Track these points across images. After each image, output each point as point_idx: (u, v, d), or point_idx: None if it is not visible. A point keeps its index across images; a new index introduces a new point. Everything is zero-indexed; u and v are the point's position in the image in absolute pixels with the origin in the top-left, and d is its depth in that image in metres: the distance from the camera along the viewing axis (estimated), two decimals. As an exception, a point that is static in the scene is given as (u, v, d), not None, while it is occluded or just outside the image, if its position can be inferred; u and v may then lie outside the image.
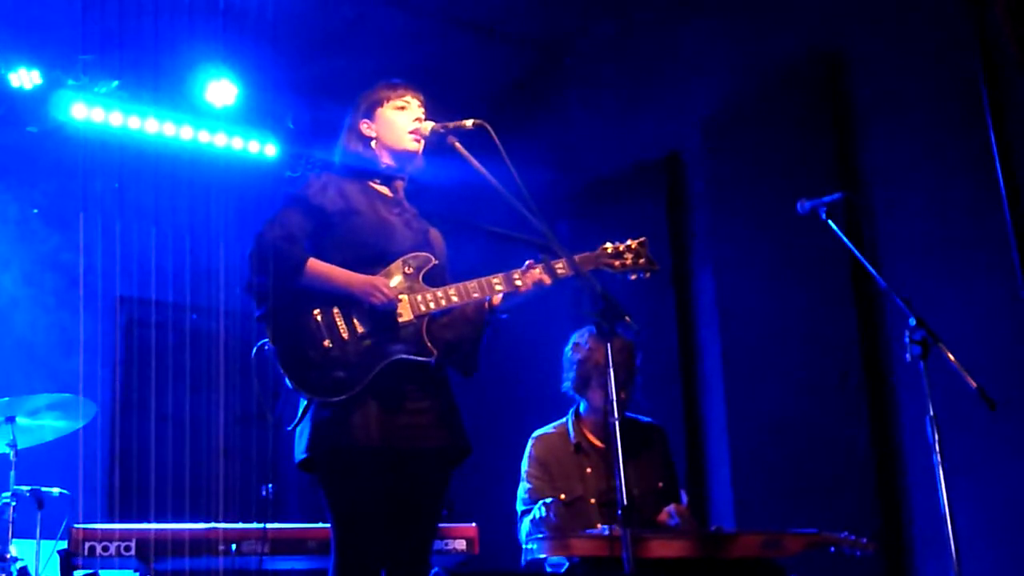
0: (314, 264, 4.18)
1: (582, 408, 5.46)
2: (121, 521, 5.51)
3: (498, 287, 4.27)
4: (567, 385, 5.45)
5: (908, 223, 6.11)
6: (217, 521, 5.55)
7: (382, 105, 4.47)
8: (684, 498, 5.47)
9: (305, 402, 4.15)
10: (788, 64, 6.81)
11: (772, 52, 6.91)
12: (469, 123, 4.29)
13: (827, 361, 6.35)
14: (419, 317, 4.20)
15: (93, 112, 7.91)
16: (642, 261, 4.43)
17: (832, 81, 6.58)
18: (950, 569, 4.38)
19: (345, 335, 4.11)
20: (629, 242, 4.45)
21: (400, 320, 4.18)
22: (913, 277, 5.82)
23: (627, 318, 4.02)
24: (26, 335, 7.91)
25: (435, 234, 4.50)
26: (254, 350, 4.16)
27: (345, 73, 7.94)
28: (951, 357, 4.49)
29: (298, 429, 4.17)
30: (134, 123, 8.11)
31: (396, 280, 4.24)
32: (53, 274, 8.13)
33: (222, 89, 8.18)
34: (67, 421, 6.22)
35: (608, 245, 4.43)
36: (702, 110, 7.34)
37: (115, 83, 7.92)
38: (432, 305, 4.23)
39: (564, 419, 5.49)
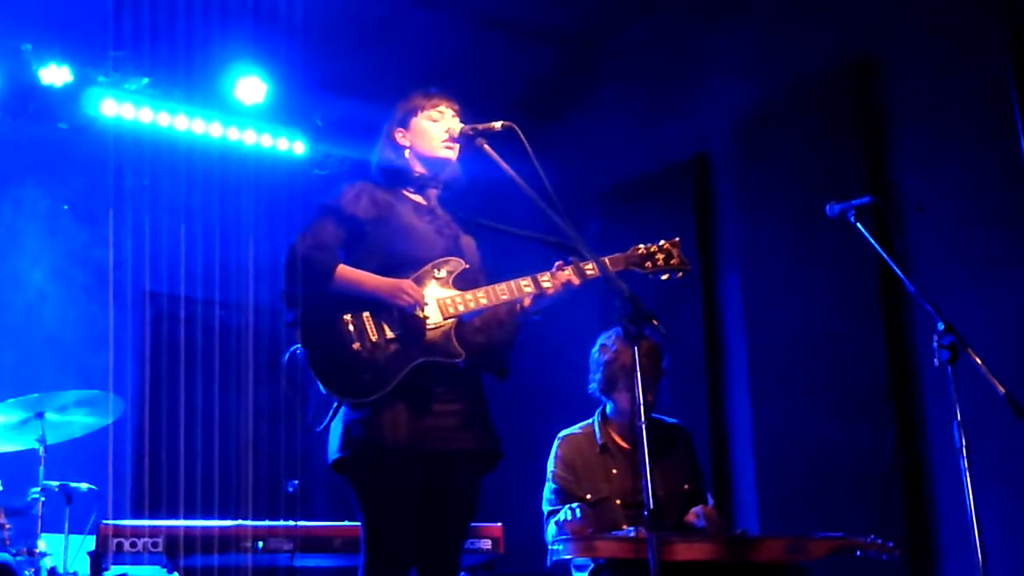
0: (344, 270, 4.21)
1: (608, 410, 5.46)
2: (149, 517, 5.53)
3: (527, 289, 4.28)
4: (593, 387, 5.45)
5: (937, 228, 6.09)
6: (244, 518, 5.58)
7: (416, 115, 4.49)
8: (710, 500, 5.47)
9: (336, 404, 4.19)
10: (819, 67, 6.79)
11: (803, 55, 6.90)
12: (498, 125, 4.30)
13: (853, 365, 6.33)
14: (448, 319, 4.22)
15: (123, 108, 7.94)
16: (674, 262, 4.43)
17: (863, 85, 6.56)
18: (976, 573, 4.36)
19: (375, 338, 4.14)
20: (662, 243, 4.45)
21: (429, 323, 4.20)
22: (942, 282, 5.80)
23: (654, 321, 4.02)
24: (55, 331, 7.95)
25: (467, 240, 4.52)
26: (286, 356, 4.19)
27: (375, 71, 7.97)
28: (979, 362, 4.48)
29: (330, 430, 4.21)
30: (164, 120, 8.13)
31: (427, 284, 4.26)
32: (82, 270, 8.16)
33: (252, 86, 8.20)
34: (96, 417, 6.26)
35: (640, 246, 4.43)
36: (732, 112, 7.33)
37: (145, 80, 7.95)
38: (461, 308, 4.24)
39: (590, 420, 5.49)
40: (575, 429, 5.50)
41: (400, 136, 4.51)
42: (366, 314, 4.17)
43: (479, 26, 8.12)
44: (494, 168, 4.24)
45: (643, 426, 3.89)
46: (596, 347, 5.48)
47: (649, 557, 3.85)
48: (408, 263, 4.29)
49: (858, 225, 5.00)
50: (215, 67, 8.13)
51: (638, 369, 3.96)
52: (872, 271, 6.17)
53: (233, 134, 8.43)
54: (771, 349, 6.84)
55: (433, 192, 4.53)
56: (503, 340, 4.40)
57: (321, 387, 4.10)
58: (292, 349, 4.17)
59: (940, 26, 6.19)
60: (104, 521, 5.38)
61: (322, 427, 4.23)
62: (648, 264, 4.41)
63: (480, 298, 4.26)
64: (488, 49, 8.28)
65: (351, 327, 4.15)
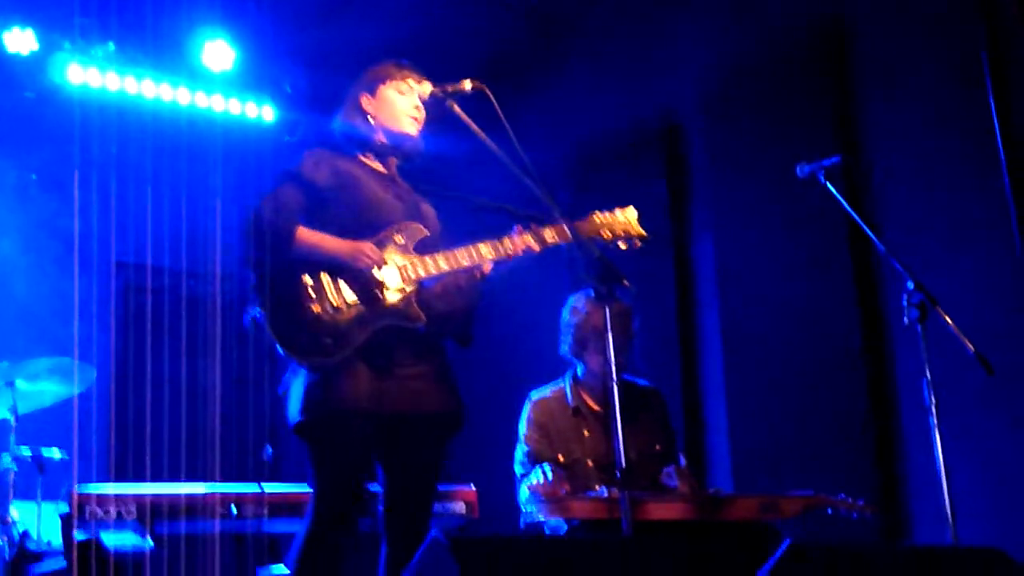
0: (304, 233, 4.21)
1: (579, 371, 5.47)
2: (123, 484, 5.52)
3: (487, 254, 4.29)
4: (564, 349, 5.46)
5: (907, 187, 6.11)
6: (216, 484, 5.57)
7: (385, 83, 4.49)
8: (682, 460, 5.49)
9: (296, 367, 4.18)
10: (789, 31, 6.79)
11: (773, 19, 6.88)
12: (468, 85, 4.30)
13: (825, 325, 6.37)
14: (408, 284, 4.23)
15: (89, 75, 7.87)
16: (631, 230, 4.43)
17: (834, 48, 6.57)
18: (946, 531, 4.41)
19: (335, 301, 4.14)
20: (618, 211, 4.45)
21: (389, 287, 4.21)
22: (912, 241, 5.82)
23: (625, 282, 4.04)
24: (25, 300, 7.90)
25: (427, 208, 4.54)
26: (246, 318, 4.19)
27: (344, 38, 7.91)
28: (949, 321, 4.51)
29: (290, 394, 4.21)
30: (131, 86, 8.07)
31: (387, 249, 4.26)
32: (51, 239, 8.10)
33: (220, 52, 8.14)
34: (66, 385, 6.24)
35: (597, 214, 4.44)
36: (703, 75, 7.32)
37: (111, 46, 7.88)
38: (421, 272, 4.26)
39: (561, 381, 5.49)
40: (546, 391, 5.50)
41: (366, 102, 4.50)
42: (325, 276, 4.17)
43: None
44: (462, 137, 4.24)
45: (615, 387, 3.91)
46: (566, 309, 5.48)
47: (622, 517, 3.88)
48: (369, 229, 4.29)
49: (828, 185, 5.02)
50: (182, 33, 8.07)
51: (609, 330, 3.98)
52: (843, 231, 6.19)
53: (201, 100, 8.37)
54: (744, 310, 6.87)
55: (393, 161, 4.54)
56: (464, 306, 4.40)
57: (280, 349, 4.10)
58: (252, 312, 4.16)
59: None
60: (76, 488, 5.36)
61: (283, 390, 4.23)
62: (607, 233, 4.41)
63: (440, 263, 4.27)
64: (456, 17, 8.23)
65: (310, 289, 4.14)
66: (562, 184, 7.84)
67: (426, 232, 4.38)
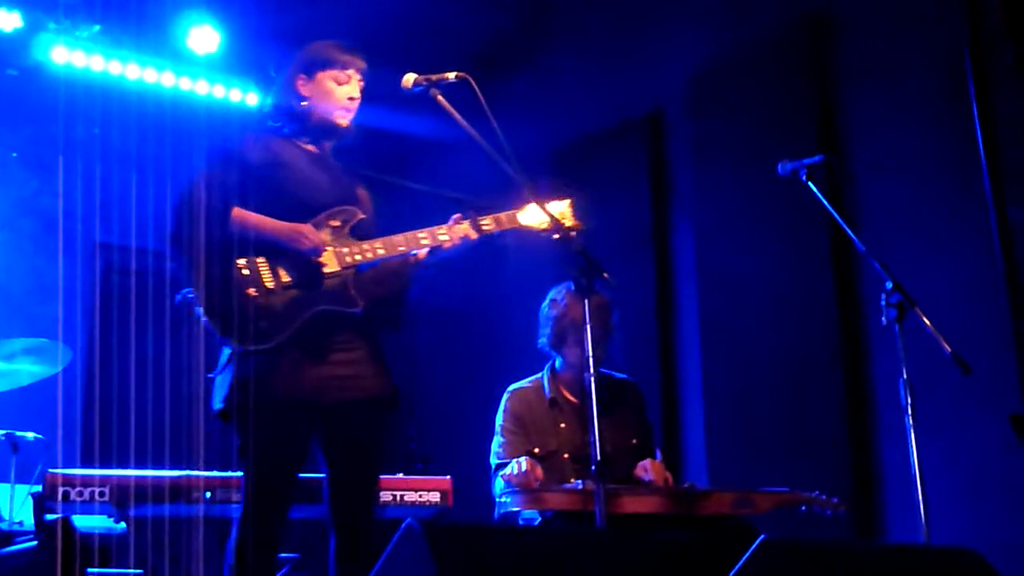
0: (239, 213, 4.17)
1: (558, 364, 5.47)
2: (98, 467, 5.50)
3: (424, 241, 4.32)
4: (543, 341, 5.46)
5: (888, 187, 6.12)
6: (194, 468, 5.56)
7: (324, 69, 4.44)
8: (658, 455, 5.50)
9: (229, 351, 4.16)
10: (774, 26, 6.80)
11: (758, 13, 6.89)
12: (451, 76, 4.30)
13: (804, 322, 6.38)
14: (345, 269, 4.22)
15: (74, 56, 7.84)
16: (569, 222, 4.41)
17: (817, 44, 6.57)
18: (919, 529, 4.42)
19: (270, 284, 4.12)
20: (554, 201, 4.44)
21: (326, 271, 4.20)
22: (891, 241, 5.83)
23: (605, 275, 4.05)
24: (2, 279, 7.88)
25: (363, 192, 4.53)
26: (177, 298, 4.15)
27: (329, 23, 7.88)
28: (927, 321, 4.53)
29: (219, 378, 4.19)
30: (115, 68, 8.04)
31: (323, 233, 4.25)
32: (31, 219, 8.07)
33: (205, 36, 8.11)
34: (43, 366, 6.22)
35: (533, 203, 4.41)
36: (686, 68, 7.32)
37: (97, 27, 7.85)
38: (358, 257, 4.26)
39: (540, 374, 5.50)
40: (524, 383, 5.50)
41: (301, 84, 4.46)
42: (260, 259, 4.14)
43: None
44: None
45: (592, 379, 3.92)
46: (546, 302, 5.48)
47: (597, 509, 3.89)
48: (304, 211, 4.27)
49: (810, 184, 5.03)
50: (168, 16, 8.04)
51: (588, 322, 3.99)
52: (823, 229, 6.20)
53: (185, 84, 8.34)
54: (723, 306, 6.87)
55: (327, 144, 4.51)
56: (397, 291, 4.43)
57: (215, 333, 4.07)
58: (183, 292, 4.12)
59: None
60: (51, 470, 5.34)
61: (215, 374, 4.21)
62: (541, 223, 4.40)
63: (378, 248, 4.28)
64: (442, 3, 8.22)
65: (245, 272, 4.11)
66: (544, 174, 7.83)
67: (362, 215, 4.37)
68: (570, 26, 8.28)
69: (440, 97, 4.29)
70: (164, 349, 8.04)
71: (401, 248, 4.30)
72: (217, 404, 4.17)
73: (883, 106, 6.20)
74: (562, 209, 4.41)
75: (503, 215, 4.37)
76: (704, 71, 7.20)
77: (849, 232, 4.93)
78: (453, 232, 4.32)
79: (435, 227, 4.33)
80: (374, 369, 4.30)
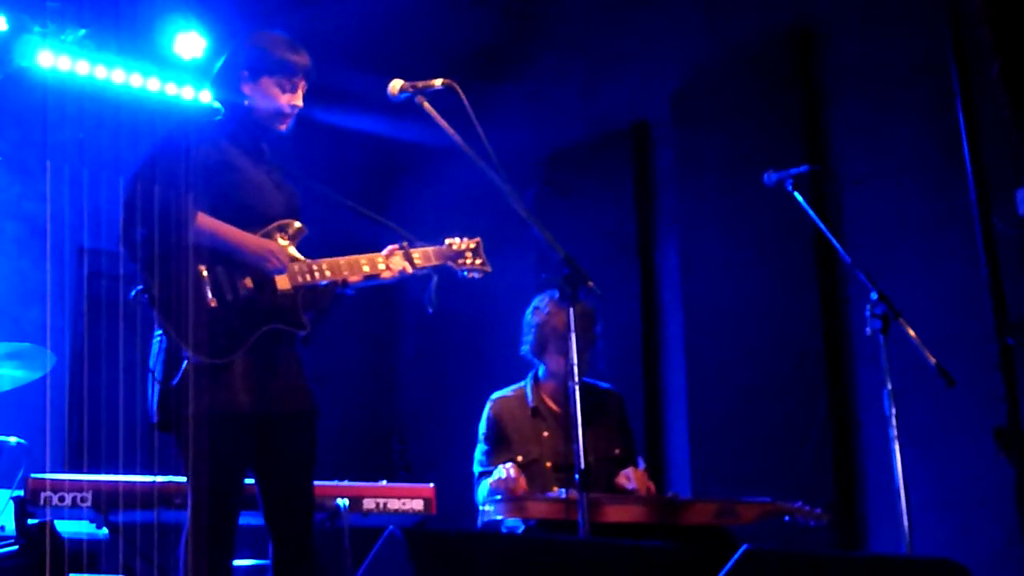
0: (204, 219, 4.11)
1: (541, 373, 5.47)
2: (79, 472, 5.47)
3: (366, 269, 4.37)
4: (525, 349, 5.46)
5: (873, 198, 6.13)
6: (174, 474, 5.54)
7: (270, 74, 4.38)
8: (641, 464, 5.50)
9: (168, 353, 4.11)
10: (759, 37, 6.80)
11: (743, 25, 6.90)
12: (438, 83, 4.31)
13: (789, 333, 6.38)
14: (296, 288, 4.22)
15: (59, 60, 7.81)
16: (478, 262, 4.56)
17: (802, 54, 6.57)
18: (902, 540, 4.44)
19: (229, 296, 4.09)
20: (468, 242, 4.58)
21: (279, 288, 4.19)
22: (876, 252, 5.84)
23: (590, 284, 4.05)
24: (-15, 283, 7.85)
25: (292, 189, 4.51)
26: (132, 293, 4.09)
27: (316, 30, 7.87)
28: (911, 332, 4.54)
29: (160, 385, 4.13)
30: (101, 73, 8.01)
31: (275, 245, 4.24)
32: (16, 223, 8.04)
33: (191, 41, 8.08)
34: (26, 371, 6.18)
35: (454, 241, 4.56)
36: (672, 80, 7.32)
37: (82, 32, 7.82)
38: (309, 278, 4.27)
39: (523, 383, 5.50)
40: (507, 392, 5.51)
41: (243, 84, 4.40)
42: (222, 268, 4.11)
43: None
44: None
45: (575, 388, 3.92)
46: (529, 310, 5.49)
47: (579, 518, 3.89)
48: (254, 220, 4.25)
49: (795, 194, 5.05)
50: (154, 21, 8.01)
51: (572, 331, 3.99)
52: (809, 240, 6.20)
53: (171, 89, 8.32)
54: (707, 316, 6.87)
55: (265, 145, 4.48)
56: (323, 309, 4.42)
57: (173, 338, 4.02)
58: (138, 289, 4.05)
59: (880, -3, 6.23)
60: (33, 475, 5.32)
61: (174, 382, 4.08)
62: (459, 261, 4.54)
63: (325, 270, 4.31)
64: (426, 12, 8.22)
65: (207, 281, 4.08)
66: (529, 182, 7.83)
67: (305, 230, 4.37)
68: (556, 37, 8.28)
69: (426, 104, 4.30)
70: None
71: (345, 274, 4.34)
72: (158, 414, 4.14)
73: (868, 118, 6.21)
74: (476, 249, 4.58)
75: (431, 250, 4.48)
76: (689, 82, 7.20)
77: (834, 242, 4.94)
78: (392, 266, 4.39)
79: (374, 255, 4.41)
80: (303, 382, 4.33)
